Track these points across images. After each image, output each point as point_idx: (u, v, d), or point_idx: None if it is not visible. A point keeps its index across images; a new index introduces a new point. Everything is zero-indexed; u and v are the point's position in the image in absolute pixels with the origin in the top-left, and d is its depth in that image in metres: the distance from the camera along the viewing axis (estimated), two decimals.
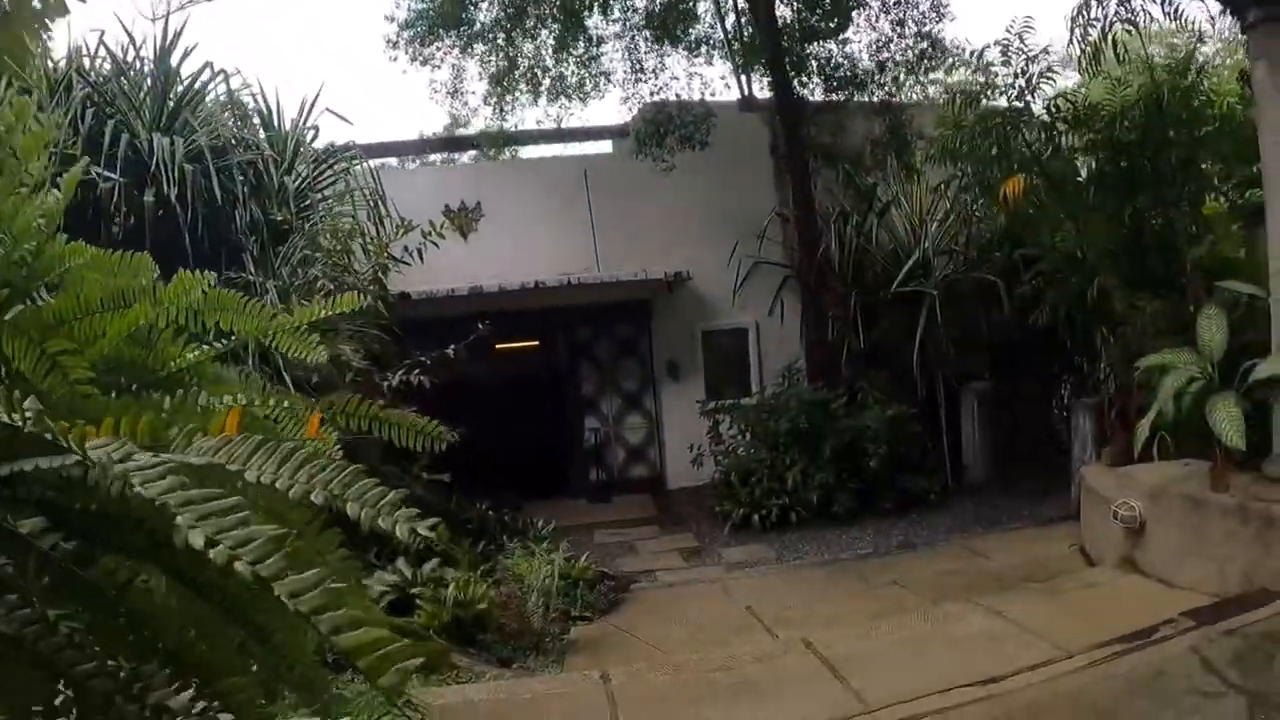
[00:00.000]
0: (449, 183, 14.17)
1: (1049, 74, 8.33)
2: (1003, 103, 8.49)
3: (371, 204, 12.00)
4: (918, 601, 7.23)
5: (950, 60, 13.36)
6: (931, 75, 13.96)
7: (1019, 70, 8.41)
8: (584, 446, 13.96)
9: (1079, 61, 8.22)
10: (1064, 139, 8.60)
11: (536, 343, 15.65)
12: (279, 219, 10.16)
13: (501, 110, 13.79)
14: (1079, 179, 9.19)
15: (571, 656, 7.08)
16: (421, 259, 10.58)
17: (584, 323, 14.08)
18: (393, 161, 14.23)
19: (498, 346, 16.96)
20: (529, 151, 14.38)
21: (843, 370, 12.74)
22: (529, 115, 14.33)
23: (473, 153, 14.33)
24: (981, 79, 8.60)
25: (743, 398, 12.75)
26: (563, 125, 14.15)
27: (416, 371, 9.45)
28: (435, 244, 10.46)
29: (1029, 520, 10.29)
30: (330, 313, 2.83)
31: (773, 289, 13.63)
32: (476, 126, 13.67)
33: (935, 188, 11.78)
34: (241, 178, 10.59)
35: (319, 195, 11.60)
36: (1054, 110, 8.31)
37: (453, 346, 9.76)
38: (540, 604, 7.77)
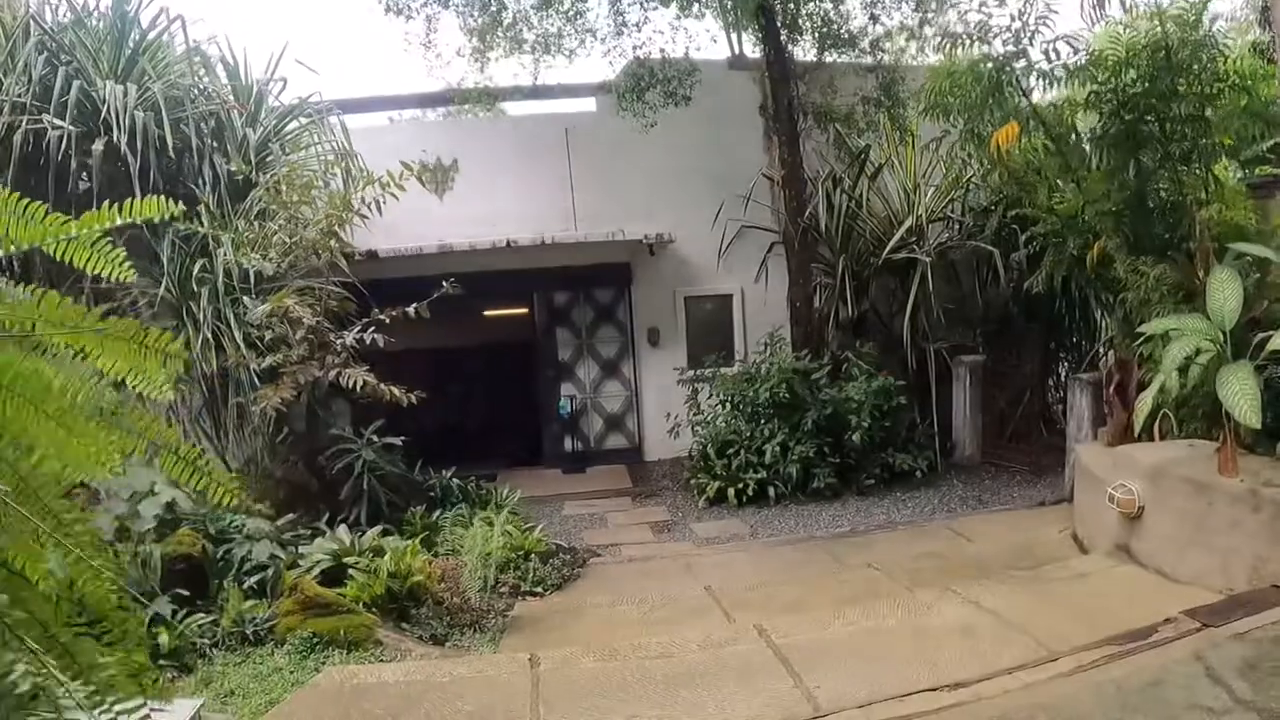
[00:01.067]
0: (425, 139, 13.44)
1: (1048, 16, 7.62)
2: (998, 46, 7.79)
3: (338, 159, 11.42)
4: (891, 587, 6.60)
5: (945, 7, 12.61)
6: (926, 29, 13.24)
7: (1016, 13, 7.70)
8: (560, 415, 13.33)
9: (1081, 5, 7.53)
10: (1063, 87, 7.90)
11: (513, 308, 15.06)
12: (235, 170, 9.52)
13: (482, 66, 13.12)
14: (1078, 133, 8.50)
15: (510, 636, 6.50)
16: (380, 211, 10.04)
17: (562, 287, 13.44)
18: (367, 118, 13.55)
19: (472, 312, 16.61)
20: (509, 109, 13.67)
21: (829, 340, 12.19)
22: (509, 70, 13.68)
23: (450, 109, 13.58)
24: (975, 19, 7.84)
25: (726, 366, 12.09)
26: (544, 82, 13.44)
27: (372, 330, 8.89)
28: (395, 196, 9.94)
29: (1019, 502, 9.76)
30: (122, 220, 2.23)
31: (759, 254, 13.10)
32: (454, 81, 12.95)
33: (927, 146, 11.07)
34: (201, 128, 10.08)
35: (282, 148, 10.95)
36: (1053, 56, 7.59)
37: (414, 305, 9.12)
38: (479, 577, 7.19)
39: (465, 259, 12.25)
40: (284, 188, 9.09)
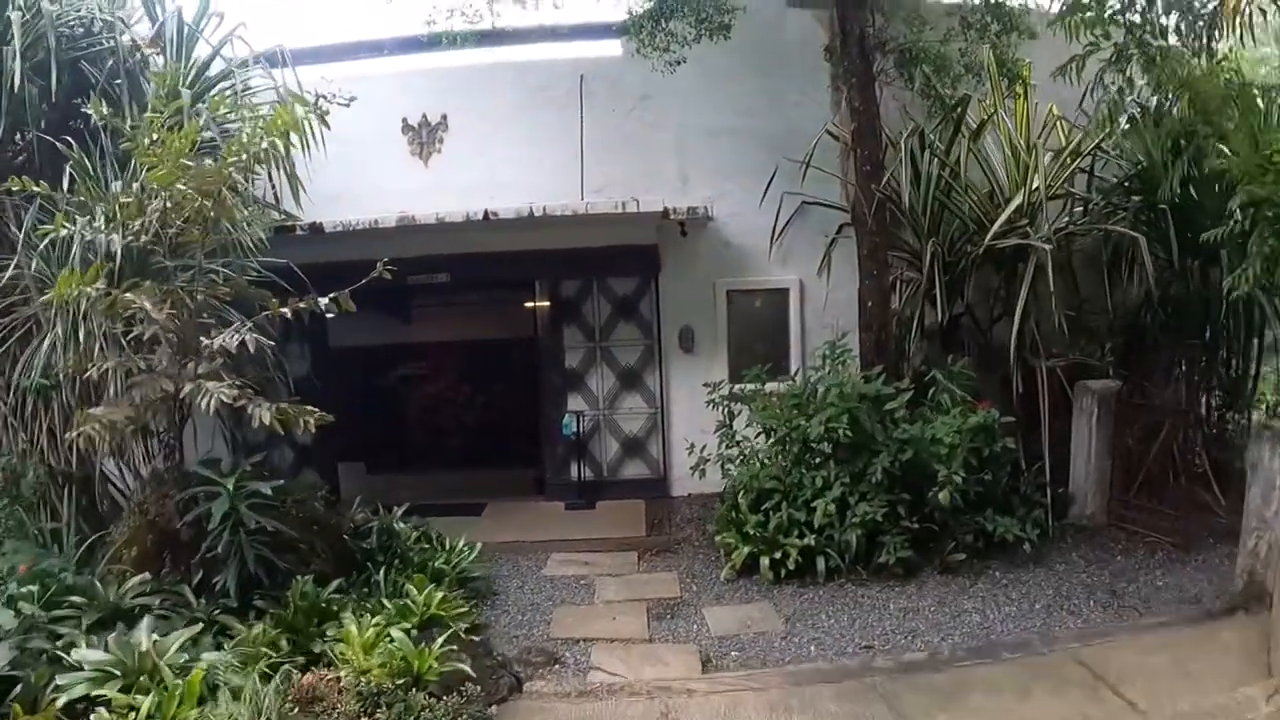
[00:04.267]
0: (409, 92, 10.93)
1: None
2: None
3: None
4: None
5: None
6: None
7: None
8: (565, 435, 10.65)
9: None
10: None
11: (507, 299, 12.41)
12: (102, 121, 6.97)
13: None
14: None
15: None
16: (282, 169, 7.57)
17: (571, 273, 10.77)
18: (336, 68, 10.99)
19: (454, 303, 14.04)
20: (511, 53, 10.95)
21: (910, 353, 9.34)
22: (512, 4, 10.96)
23: (440, 54, 10.92)
24: None
25: (777, 380, 9.27)
26: (555, 22, 10.71)
27: (248, 330, 6.34)
28: (313, 134, 7.37)
29: (1172, 603, 6.86)
30: None
31: (823, 238, 10.27)
32: (442, 17, 10.25)
33: (1062, 69, 7.96)
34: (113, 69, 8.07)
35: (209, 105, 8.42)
36: None
37: (335, 294, 6.79)
38: None
39: (448, 238, 9.89)
40: (155, 136, 6.45)
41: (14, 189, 6.33)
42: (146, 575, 6.29)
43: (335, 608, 6.23)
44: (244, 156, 6.69)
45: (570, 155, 10.50)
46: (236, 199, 7.77)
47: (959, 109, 9.50)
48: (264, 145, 6.75)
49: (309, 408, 6.53)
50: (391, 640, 5.50)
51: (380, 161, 10.68)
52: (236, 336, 6.34)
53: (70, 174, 7.33)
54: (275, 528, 6.38)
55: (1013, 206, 8.90)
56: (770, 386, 8.95)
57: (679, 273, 10.72)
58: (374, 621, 5.91)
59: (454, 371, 15.28)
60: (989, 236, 8.81)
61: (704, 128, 10.57)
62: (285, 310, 6.68)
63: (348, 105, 7.49)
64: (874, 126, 8.89)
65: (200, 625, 5.69)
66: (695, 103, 10.54)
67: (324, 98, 7.16)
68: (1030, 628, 6.60)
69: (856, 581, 7.54)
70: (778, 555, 7.63)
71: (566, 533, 9.46)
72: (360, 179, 10.30)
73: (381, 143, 10.75)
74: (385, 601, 6.44)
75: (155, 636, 5.31)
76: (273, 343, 6.94)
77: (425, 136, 10.87)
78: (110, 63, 8.12)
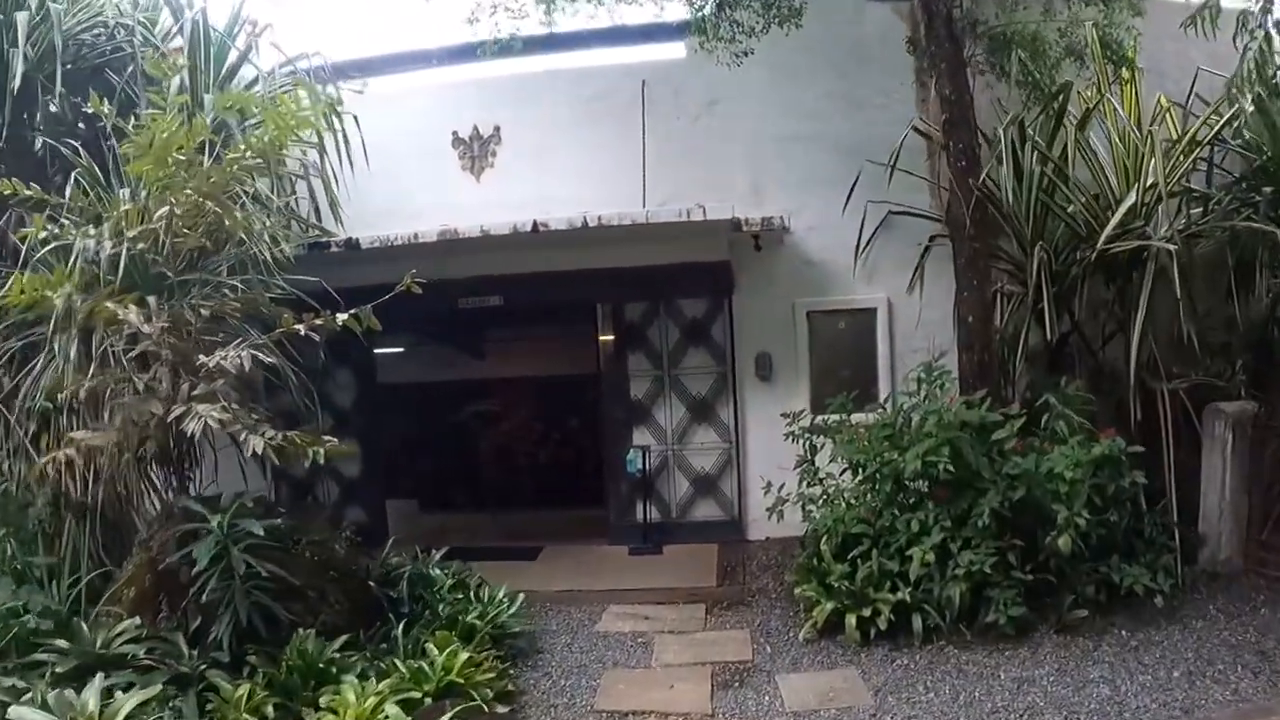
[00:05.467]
0: (460, 103, 10.22)
1: None
2: None
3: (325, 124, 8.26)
4: None
5: None
6: None
7: None
8: (629, 472, 9.69)
9: None
10: None
11: (567, 326, 11.52)
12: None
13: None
14: None
15: None
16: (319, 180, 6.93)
17: (636, 295, 9.88)
18: (384, 81, 10.36)
19: (510, 333, 13.27)
20: (566, 60, 10.13)
21: (1015, 376, 8.20)
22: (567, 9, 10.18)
23: (491, 63, 10.17)
24: None
25: (864, 410, 8.21)
26: (612, 23, 9.88)
27: (244, 349, 5.54)
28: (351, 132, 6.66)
29: None
30: None
31: (912, 252, 9.31)
32: (495, 25, 9.52)
33: (1194, 18, 6.75)
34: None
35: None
36: None
37: (364, 308, 6.12)
38: None
39: (500, 258, 9.22)
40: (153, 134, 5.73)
41: (5, 192, 5.69)
42: (137, 620, 5.57)
43: (337, 669, 5.33)
44: (249, 155, 5.91)
45: (631, 167, 9.64)
46: (255, 209, 7.12)
47: (1060, 97, 8.35)
48: (266, 140, 5.97)
49: (326, 438, 5.70)
50: (386, 717, 4.57)
51: (430, 177, 10.03)
52: (235, 355, 5.54)
53: (76, 180, 6.68)
54: (271, 572, 5.51)
55: (1126, 206, 7.74)
56: (857, 417, 7.88)
57: (754, 293, 9.76)
58: (378, 688, 5.01)
59: (513, 406, 14.62)
60: (1101, 240, 7.65)
61: (777, 134, 9.67)
62: (299, 327, 5.91)
63: (361, 92, 6.68)
64: (967, 116, 7.82)
65: (159, 686, 4.85)
66: (767, 108, 9.68)
67: (335, 85, 6.41)
68: (1171, 701, 5.42)
69: (959, 644, 6.40)
70: (866, 612, 6.53)
71: (627, 581, 8.46)
72: (409, 196, 9.68)
73: (431, 158, 10.11)
74: (399, 663, 5.53)
75: (121, 694, 4.48)
76: (300, 368, 6.87)
77: (477, 150, 10.13)
78: (130, 68, 7.58)
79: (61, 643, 5.41)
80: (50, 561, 6.48)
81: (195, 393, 5.60)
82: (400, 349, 12.81)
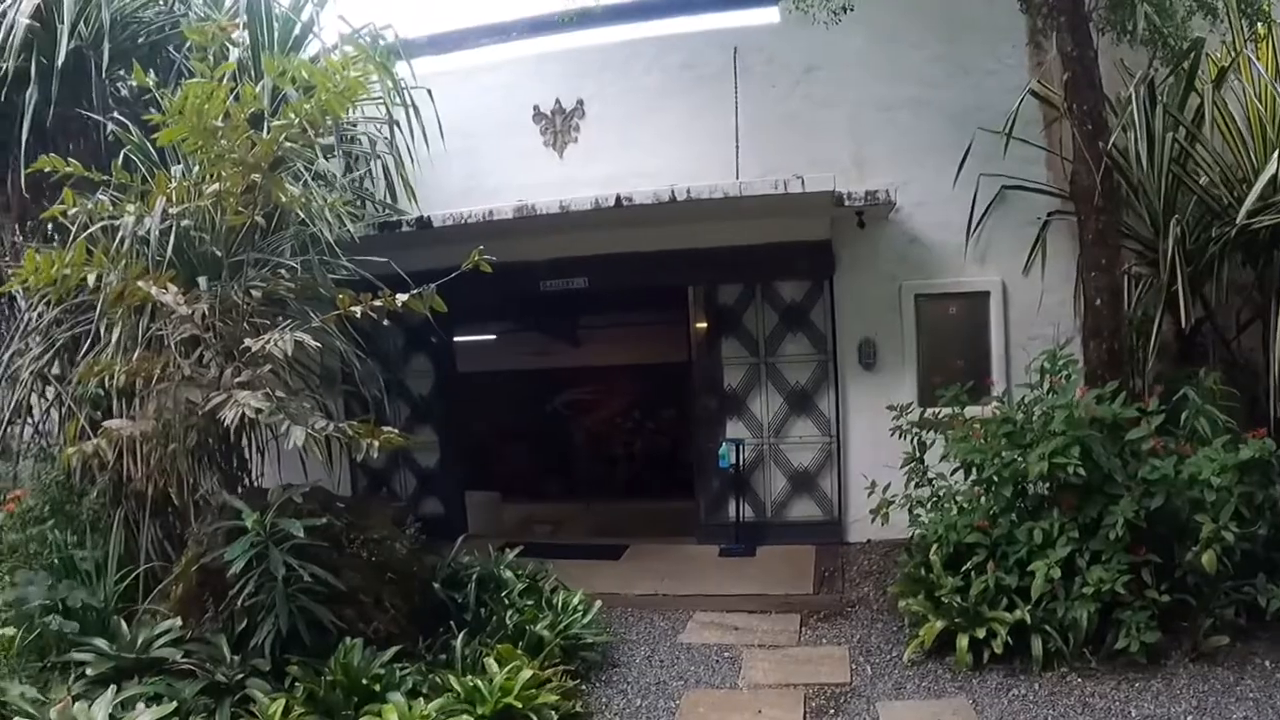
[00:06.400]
0: (540, 76, 9.68)
1: None
2: None
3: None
4: None
5: None
6: None
7: None
8: (721, 466, 9.04)
9: None
10: None
11: (655, 311, 10.94)
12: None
13: None
14: None
15: None
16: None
17: (728, 278, 9.24)
18: (459, 57, 9.96)
19: (598, 320, 12.78)
20: (652, 28, 9.50)
21: (1145, 367, 7.37)
22: None
23: (573, 34, 9.64)
24: None
25: (978, 403, 7.39)
26: None
27: (291, 331, 5.07)
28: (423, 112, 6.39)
29: None
30: None
31: (1028, 229, 8.52)
32: None
33: None
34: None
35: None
36: None
37: (427, 287, 5.71)
38: None
39: (584, 239, 8.80)
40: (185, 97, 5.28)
41: (46, 169, 5.34)
42: (179, 621, 5.29)
43: (384, 684, 4.82)
44: (296, 122, 5.44)
45: (723, 140, 8.99)
46: (318, 187, 6.69)
47: (1191, 56, 7.41)
48: (315, 106, 5.48)
49: (386, 429, 5.22)
50: None
51: (509, 155, 9.54)
52: (282, 339, 5.08)
53: (127, 158, 6.32)
54: (316, 575, 5.04)
55: (1266, 176, 6.74)
56: (970, 411, 7.08)
57: (857, 274, 9.00)
58: (425, 710, 4.49)
59: (601, 395, 14.21)
60: (1242, 214, 6.69)
61: (879, 102, 8.89)
62: (356, 309, 5.45)
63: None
64: (1092, 75, 6.90)
65: (174, 704, 4.40)
66: (868, 74, 8.91)
67: (380, 37, 5.93)
68: None
69: (1083, 672, 5.60)
70: (980, 633, 5.76)
71: (716, 585, 7.83)
72: (487, 175, 9.27)
73: (511, 135, 9.59)
74: (453, 679, 5.00)
75: (143, 706, 4.06)
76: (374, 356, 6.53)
77: (559, 124, 9.57)
78: (189, 44, 7.23)
79: (100, 642, 5.10)
80: (99, 555, 6.12)
81: (239, 379, 5.17)
82: (482, 336, 12.48)
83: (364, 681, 4.78)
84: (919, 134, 8.73)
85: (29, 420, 6.76)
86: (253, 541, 4.96)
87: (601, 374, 14.24)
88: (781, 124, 8.98)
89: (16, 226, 6.87)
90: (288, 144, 5.65)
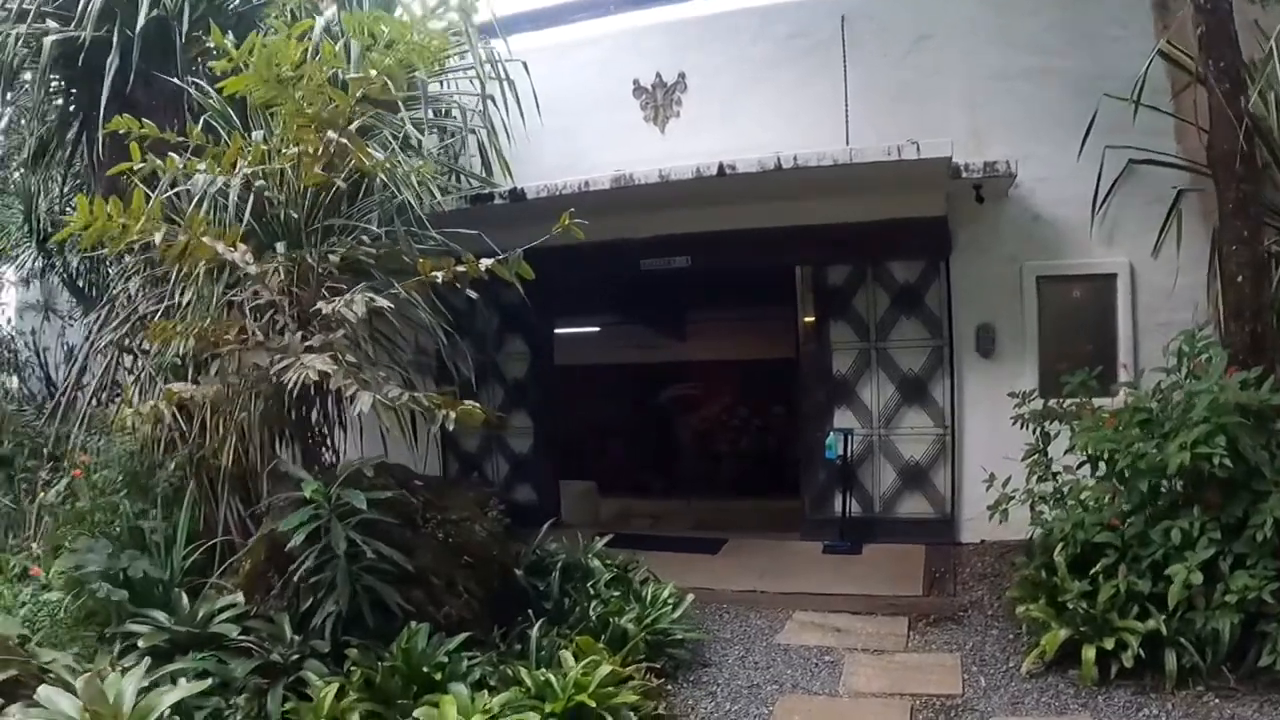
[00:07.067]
0: (640, 49, 9.37)
1: None
2: None
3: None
4: None
5: None
6: None
7: None
8: (829, 458, 8.57)
9: None
10: None
11: (761, 294, 10.49)
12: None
13: None
14: None
15: None
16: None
17: (838, 257, 8.79)
18: (555, 33, 9.81)
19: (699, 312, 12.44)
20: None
21: None
22: None
23: (674, 5, 9.30)
24: None
25: (1104, 392, 6.77)
26: None
27: (365, 295, 4.85)
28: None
29: None
30: None
31: (1158, 207, 7.84)
32: None
33: None
34: None
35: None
36: None
37: (513, 252, 5.44)
38: None
39: (686, 215, 8.54)
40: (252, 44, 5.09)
41: (120, 130, 5.21)
42: (239, 596, 5.18)
43: (448, 673, 4.52)
44: (376, 76, 5.20)
45: (832, 112, 8.54)
46: (407, 155, 6.49)
47: None
48: (394, 61, 5.24)
49: (469, 403, 4.92)
50: None
51: (608, 131, 9.28)
52: (358, 300, 4.87)
53: (207, 122, 6.21)
54: (380, 552, 4.79)
55: None
56: (1099, 401, 6.47)
57: (974, 255, 8.45)
58: (488, 703, 4.18)
59: (703, 385, 13.75)
60: None
61: (995, 72, 8.32)
62: (438, 275, 5.23)
63: None
64: (1227, 29, 6.18)
65: (209, 681, 4.21)
66: (982, 42, 8.37)
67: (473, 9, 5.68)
68: None
69: (1221, 691, 4.97)
70: (1109, 644, 5.18)
71: (818, 583, 7.39)
72: (585, 152, 9.00)
73: (611, 110, 9.33)
74: (524, 671, 4.69)
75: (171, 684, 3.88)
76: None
77: (660, 99, 9.25)
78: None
79: (159, 615, 4.99)
80: (168, 526, 6.02)
81: (309, 343, 4.96)
82: (585, 329, 12.31)
83: (425, 669, 4.49)
84: (1038, 105, 8.14)
85: (116, 392, 6.73)
86: (314, 514, 4.75)
87: (706, 369, 14.00)
88: (893, 95, 8.49)
89: (100, 191, 6.84)
90: (370, 105, 5.42)
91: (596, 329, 13.13)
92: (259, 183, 5.49)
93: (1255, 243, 6.21)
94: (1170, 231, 7.75)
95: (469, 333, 8.50)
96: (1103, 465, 5.97)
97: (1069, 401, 6.65)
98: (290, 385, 4.62)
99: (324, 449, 6.31)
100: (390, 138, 6.56)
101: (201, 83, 6.40)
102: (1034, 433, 6.71)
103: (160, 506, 6.11)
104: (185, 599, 5.20)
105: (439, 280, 5.30)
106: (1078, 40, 8.08)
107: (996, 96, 8.27)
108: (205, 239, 4.83)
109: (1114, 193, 7.94)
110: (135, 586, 5.28)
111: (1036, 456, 6.59)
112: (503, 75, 7.93)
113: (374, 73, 5.20)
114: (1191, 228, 7.64)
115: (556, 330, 10.37)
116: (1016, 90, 8.21)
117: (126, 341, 6.52)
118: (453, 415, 4.82)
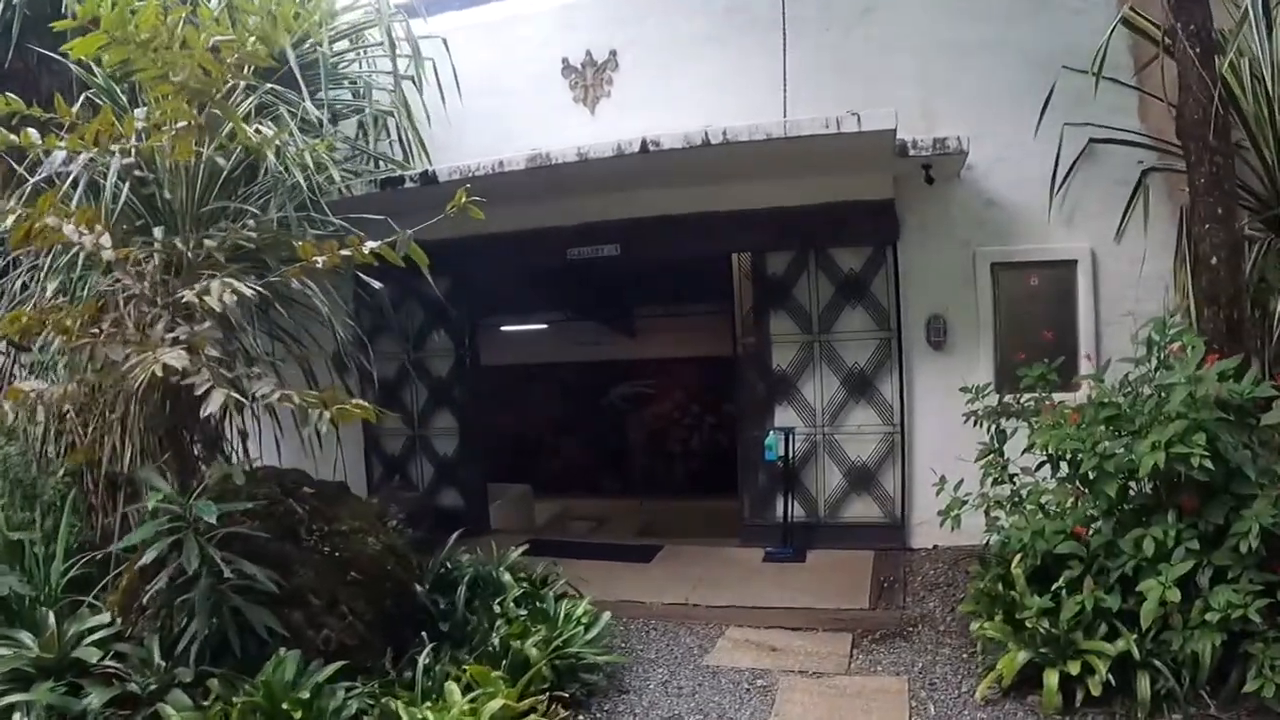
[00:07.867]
0: (570, 25, 8.74)
1: None
2: None
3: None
4: None
5: None
6: None
7: None
8: (768, 459, 7.97)
9: None
10: None
11: (696, 285, 9.97)
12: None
13: None
14: None
15: None
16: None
17: (778, 244, 8.17)
18: (481, 12, 9.12)
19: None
20: None
21: (1270, 341, 6.20)
22: None
23: None
24: None
25: (1065, 386, 6.48)
26: None
27: (225, 282, 4.14)
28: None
29: None
30: None
31: (1121, 189, 7.39)
32: None
33: None
34: None
35: None
36: None
37: (403, 233, 4.76)
38: None
39: (616, 201, 8.07)
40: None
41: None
42: (108, 617, 4.58)
43: (312, 710, 3.85)
44: (250, 41, 4.52)
45: (772, 92, 7.99)
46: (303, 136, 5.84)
47: None
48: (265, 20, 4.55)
49: (356, 401, 4.24)
50: None
51: (538, 114, 8.65)
52: (220, 289, 4.18)
53: (87, 100, 5.50)
54: (240, 571, 4.12)
55: None
56: (1060, 397, 5.94)
57: (924, 240, 7.91)
58: None
59: (649, 384, 13.19)
60: None
61: (948, 46, 7.77)
62: (318, 260, 4.53)
63: None
64: (1200, 4, 5.69)
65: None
66: (934, 14, 7.83)
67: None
68: None
69: (1200, 718, 4.42)
70: (1074, 668, 4.61)
71: (757, 596, 6.78)
72: (513, 136, 8.29)
73: (539, 91, 8.73)
74: (401, 707, 4.02)
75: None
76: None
77: (590, 78, 8.62)
78: None
79: (25, 636, 4.39)
80: (41, 537, 5.32)
81: (170, 336, 4.26)
82: (517, 322, 11.71)
83: (285, 706, 3.82)
84: (994, 81, 7.62)
85: None
86: (171, 526, 4.07)
87: (652, 367, 13.49)
88: (839, 70, 7.94)
89: None
90: (260, 80, 4.75)
91: (538, 326, 12.61)
92: (126, 160, 4.77)
93: (1230, 221, 5.70)
94: (1135, 214, 7.28)
95: (391, 329, 7.84)
96: (1064, 466, 5.42)
97: (1027, 396, 6.12)
98: (138, 383, 3.94)
99: (217, 454, 5.59)
100: (288, 115, 5.89)
101: (86, 60, 5.69)
102: (988, 431, 6.16)
103: (48, 515, 5.44)
104: (52, 619, 4.49)
105: (319, 265, 4.63)
106: (1035, 12, 7.58)
107: (948, 73, 7.73)
108: (50, 220, 4.12)
109: (1074, 173, 7.45)
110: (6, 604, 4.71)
111: (991, 457, 6.03)
112: (418, 53, 7.30)
113: (251, 39, 4.52)
114: (1158, 210, 7.22)
115: (501, 328, 9.77)
116: (970, 66, 7.68)
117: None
118: (327, 415, 4.14)
